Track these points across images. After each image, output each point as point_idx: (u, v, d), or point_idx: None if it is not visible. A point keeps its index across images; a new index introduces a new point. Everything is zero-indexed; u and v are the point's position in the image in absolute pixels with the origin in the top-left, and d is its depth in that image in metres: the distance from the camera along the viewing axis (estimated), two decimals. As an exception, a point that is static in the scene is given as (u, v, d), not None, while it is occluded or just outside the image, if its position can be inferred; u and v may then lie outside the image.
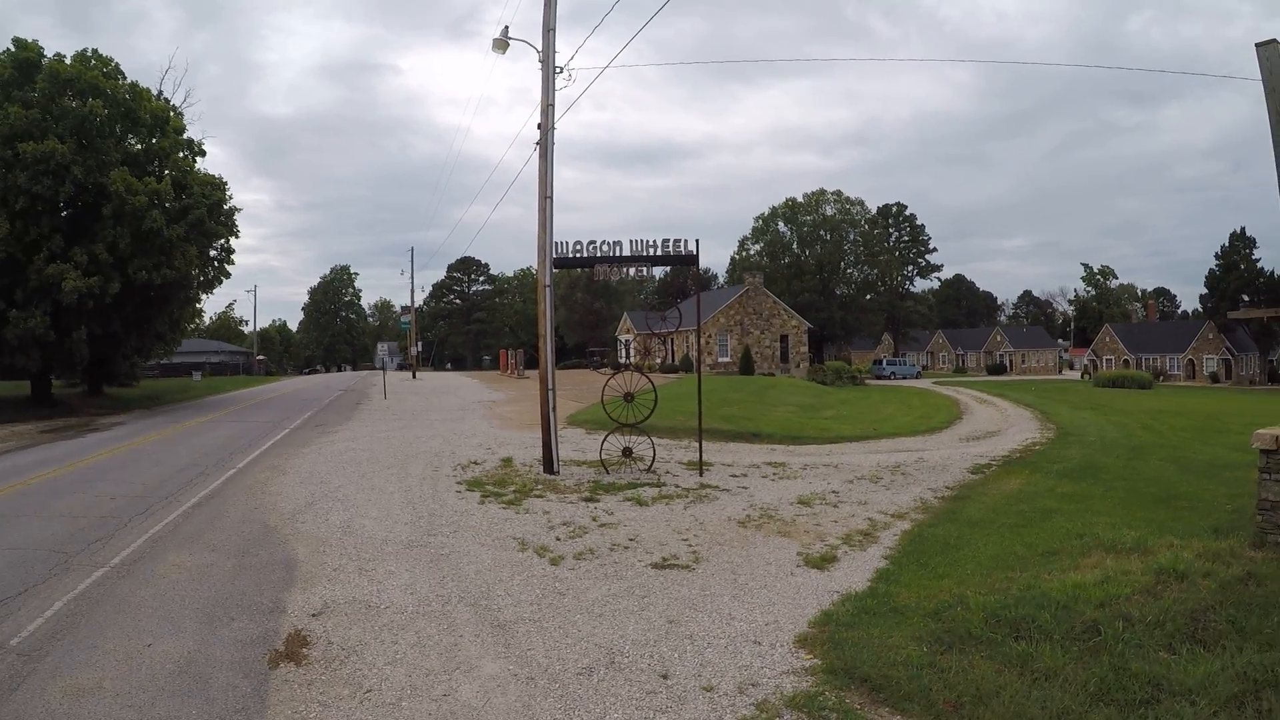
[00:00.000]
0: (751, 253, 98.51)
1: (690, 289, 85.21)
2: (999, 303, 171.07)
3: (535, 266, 18.79)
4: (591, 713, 6.33)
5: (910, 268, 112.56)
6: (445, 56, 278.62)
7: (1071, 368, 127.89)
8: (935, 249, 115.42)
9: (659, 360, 66.52)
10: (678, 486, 16.05)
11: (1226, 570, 8.94)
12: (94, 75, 33.92)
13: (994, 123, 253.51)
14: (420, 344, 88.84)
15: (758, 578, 9.95)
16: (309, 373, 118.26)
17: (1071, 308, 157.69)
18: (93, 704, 6.44)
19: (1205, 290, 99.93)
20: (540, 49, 18.50)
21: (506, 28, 19.59)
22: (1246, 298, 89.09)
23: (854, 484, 16.91)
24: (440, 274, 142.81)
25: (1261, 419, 21.74)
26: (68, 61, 33.83)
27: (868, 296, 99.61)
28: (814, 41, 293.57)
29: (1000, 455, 22.11)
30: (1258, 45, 10.41)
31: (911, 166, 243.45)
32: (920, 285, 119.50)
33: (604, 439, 18.53)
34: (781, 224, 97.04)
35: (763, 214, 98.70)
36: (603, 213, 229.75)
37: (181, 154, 37.86)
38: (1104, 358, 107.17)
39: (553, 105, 18.42)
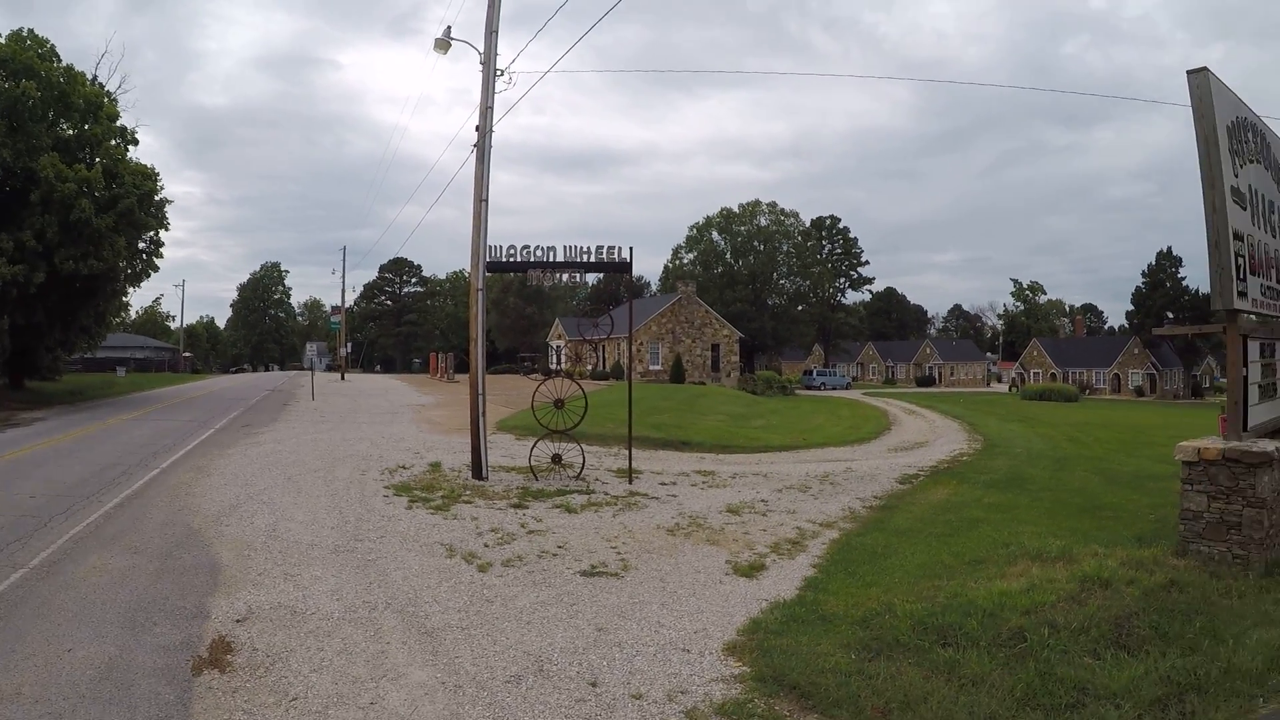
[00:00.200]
0: (685, 261, 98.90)
1: (623, 296, 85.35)
2: (929, 316, 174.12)
3: (468, 269, 18.66)
4: (519, 721, 6.27)
5: (842, 280, 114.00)
6: (386, 54, 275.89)
7: (1000, 381, 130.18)
8: (867, 262, 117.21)
9: (590, 367, 66.48)
10: (607, 494, 16.02)
11: (1150, 578, 9.16)
12: (29, 56, 32.83)
13: (929, 140, 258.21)
14: (350, 345, 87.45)
15: (686, 586, 9.94)
16: (236, 371, 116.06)
17: (1000, 322, 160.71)
18: (11, 711, 6.21)
19: (1132, 307, 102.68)
20: (482, 51, 18.38)
21: (449, 28, 19.44)
22: (1171, 315, 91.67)
23: (783, 493, 17.00)
24: (372, 274, 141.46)
25: (1184, 432, 22.27)
26: (2, 40, 32.85)
27: (799, 307, 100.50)
28: (754, 54, 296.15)
29: (928, 466, 22.42)
30: (1189, 72, 10.69)
31: (846, 180, 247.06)
32: (852, 297, 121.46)
33: (534, 445, 18.42)
34: (716, 234, 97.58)
35: (698, 223, 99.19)
36: (538, 217, 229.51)
37: (114, 142, 36.74)
38: (1032, 371, 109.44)
39: (492, 108, 18.31)
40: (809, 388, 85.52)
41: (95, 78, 38.73)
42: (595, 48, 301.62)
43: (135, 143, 38.14)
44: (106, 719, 6.15)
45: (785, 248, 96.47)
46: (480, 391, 17.81)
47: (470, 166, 18.44)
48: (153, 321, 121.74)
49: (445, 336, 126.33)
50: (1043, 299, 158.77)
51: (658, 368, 68.83)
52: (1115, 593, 8.70)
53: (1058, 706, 6.23)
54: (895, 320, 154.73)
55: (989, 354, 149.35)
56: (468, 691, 6.74)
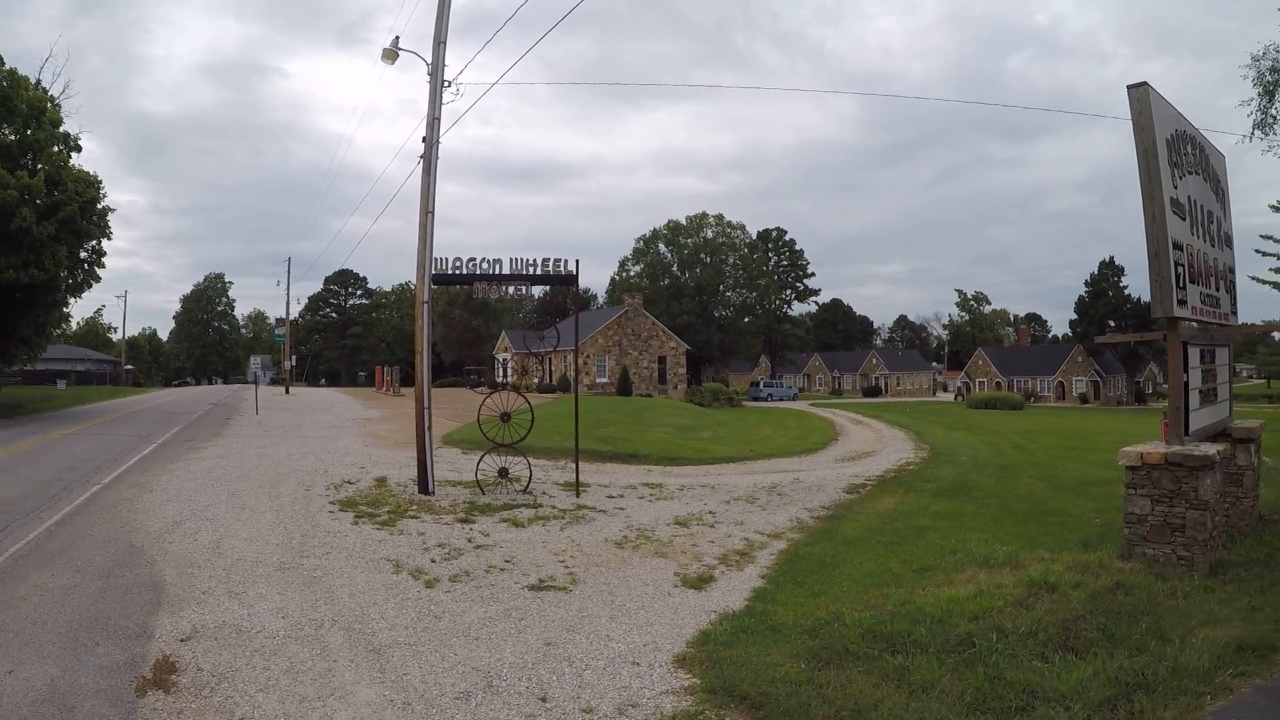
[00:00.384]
0: (632, 274, 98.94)
1: (570, 309, 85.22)
2: (875, 326, 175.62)
3: (414, 282, 18.51)
4: (467, 738, 6.21)
5: (788, 291, 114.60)
6: (334, 63, 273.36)
7: (945, 390, 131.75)
8: (813, 273, 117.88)
9: (537, 380, 66.31)
10: (554, 507, 15.96)
11: (1096, 581, 9.30)
12: (-31, 60, 32.05)
13: (875, 153, 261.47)
14: (294, 358, 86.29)
15: (635, 599, 9.93)
16: (179, 385, 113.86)
17: (946, 332, 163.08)
18: (-53, 738, 6.07)
19: (1075, 315, 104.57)
20: (429, 61, 18.30)
21: (397, 38, 19.37)
22: (1114, 323, 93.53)
23: (731, 504, 17.06)
24: (317, 286, 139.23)
25: (1128, 437, 22.71)
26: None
27: (746, 319, 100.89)
28: (702, 67, 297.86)
29: (875, 475, 22.61)
30: (1129, 87, 10.92)
31: (792, 193, 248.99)
32: (798, 309, 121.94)
33: (480, 459, 18.29)
34: (662, 246, 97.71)
35: (644, 235, 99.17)
36: (484, 229, 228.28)
37: (56, 148, 35.77)
38: (977, 380, 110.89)
39: (438, 119, 18.23)
40: (756, 399, 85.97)
41: (39, 82, 37.81)
42: (544, 60, 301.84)
43: (78, 149, 37.31)
44: (48, 743, 6.01)
45: (732, 260, 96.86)
46: (425, 405, 17.68)
47: (417, 178, 18.37)
48: (94, 333, 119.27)
49: (391, 349, 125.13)
50: (987, 309, 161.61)
51: (605, 380, 68.81)
52: (1062, 596, 8.83)
53: (1007, 710, 6.29)
54: (841, 331, 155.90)
55: (935, 364, 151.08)
56: (416, 709, 6.66)
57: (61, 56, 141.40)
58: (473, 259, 17.79)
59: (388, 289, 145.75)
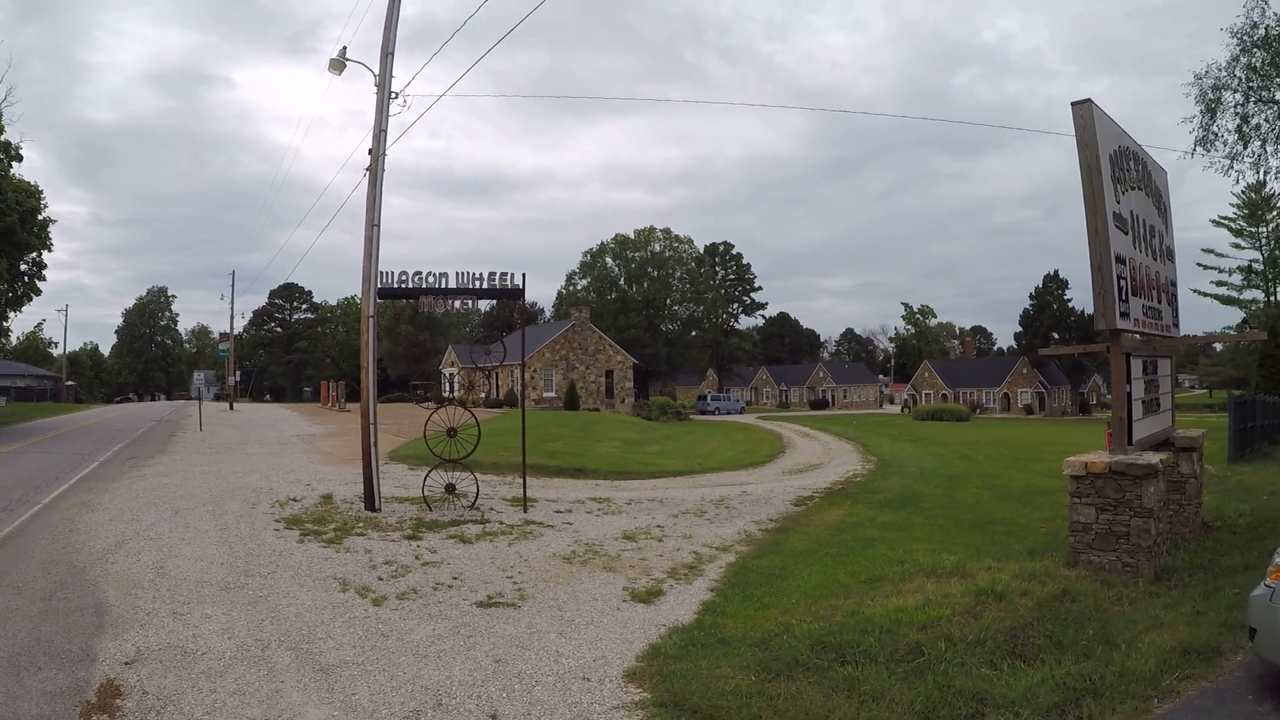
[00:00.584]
0: (579, 288, 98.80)
1: (517, 323, 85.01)
2: (822, 340, 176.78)
3: (360, 296, 18.33)
4: (415, 757, 6.15)
5: (735, 305, 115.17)
6: (281, 72, 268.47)
7: (892, 402, 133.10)
8: (760, 287, 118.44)
9: (484, 395, 65.96)
10: (502, 523, 15.87)
11: (1043, 589, 9.46)
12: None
13: (823, 167, 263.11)
14: (239, 373, 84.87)
15: (584, 614, 9.90)
16: (121, 401, 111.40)
17: (892, 345, 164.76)
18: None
19: (1020, 328, 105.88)
20: (377, 73, 18.14)
21: (345, 48, 19.09)
22: (1058, 335, 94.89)
23: (679, 518, 17.08)
24: (262, 300, 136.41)
25: (1072, 447, 23.01)
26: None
27: (693, 333, 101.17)
28: (651, 81, 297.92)
29: (823, 487, 22.76)
30: (1073, 104, 11.17)
31: (740, 207, 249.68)
32: (745, 323, 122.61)
33: (427, 475, 18.14)
34: (610, 260, 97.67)
35: (591, 249, 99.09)
36: (431, 243, 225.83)
37: None
38: (923, 392, 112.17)
39: (385, 131, 18.05)
40: (704, 413, 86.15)
41: (-21, 90, 37.14)
42: (492, 72, 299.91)
43: (19, 159, 36.50)
44: (-12, 773, 5.88)
45: (679, 274, 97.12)
46: (372, 421, 17.50)
47: (363, 190, 18.14)
48: (34, 348, 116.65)
49: (337, 364, 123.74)
50: (933, 322, 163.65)
51: (552, 395, 68.66)
52: (1009, 604, 8.96)
53: (957, 718, 6.38)
54: (788, 345, 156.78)
55: (881, 376, 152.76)
56: (364, 728, 6.59)
57: (3, 63, 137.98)
58: (419, 273, 17.61)
59: (333, 303, 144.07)
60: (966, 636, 7.92)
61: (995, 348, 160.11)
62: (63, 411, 61.15)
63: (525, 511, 17.21)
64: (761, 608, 9.91)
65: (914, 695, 6.74)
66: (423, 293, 17.73)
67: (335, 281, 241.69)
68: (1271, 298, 68.96)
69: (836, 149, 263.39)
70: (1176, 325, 14.54)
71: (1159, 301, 13.21)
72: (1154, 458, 10.54)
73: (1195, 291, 73.19)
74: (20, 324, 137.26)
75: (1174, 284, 14.67)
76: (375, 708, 6.97)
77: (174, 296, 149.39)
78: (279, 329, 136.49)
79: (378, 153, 17.88)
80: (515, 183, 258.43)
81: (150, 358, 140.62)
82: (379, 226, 17.69)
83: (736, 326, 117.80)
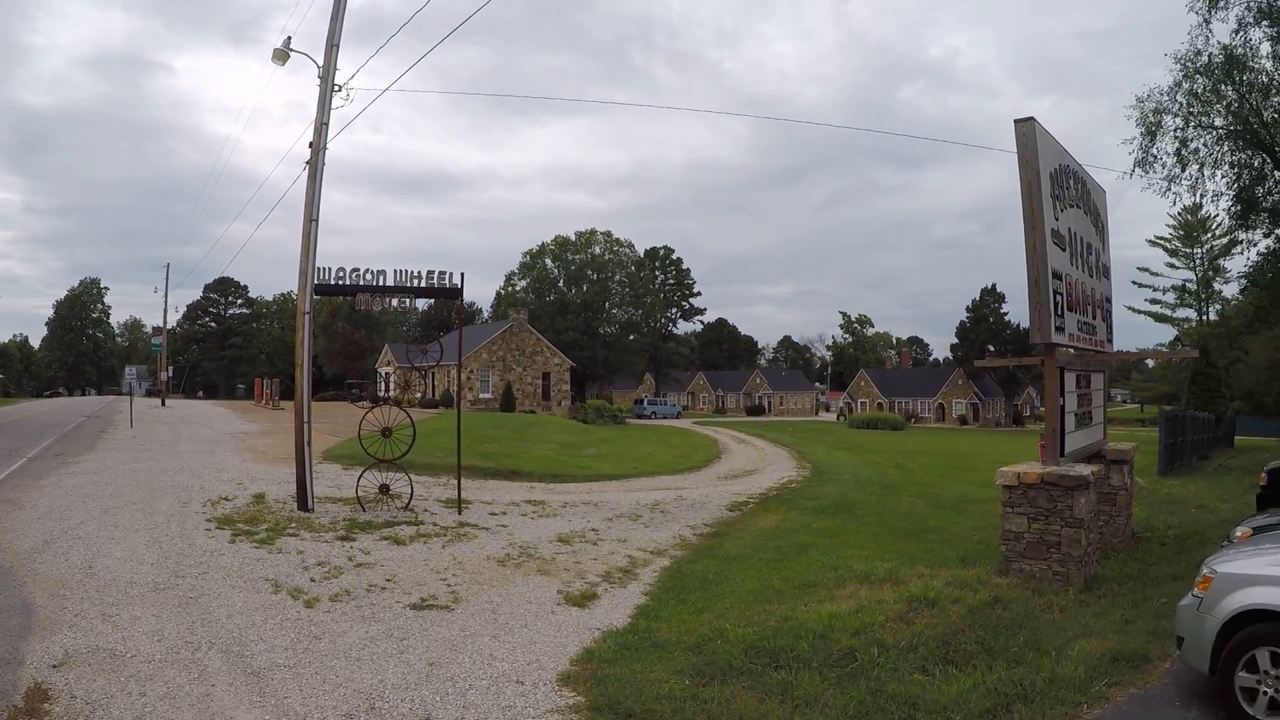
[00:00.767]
0: (518, 289, 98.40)
1: (454, 323, 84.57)
2: (760, 346, 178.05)
3: (296, 292, 18.09)
4: (348, 761, 6.08)
5: (674, 310, 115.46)
6: (223, 61, 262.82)
7: (828, 410, 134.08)
8: (699, 293, 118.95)
9: (419, 395, 65.48)
10: (436, 525, 15.77)
11: (974, 596, 9.60)
12: None
13: (766, 175, 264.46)
14: (171, 369, 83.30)
15: (519, 617, 9.87)
16: (51, 395, 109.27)
17: (830, 353, 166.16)
18: None
19: (956, 340, 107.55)
20: (321, 64, 17.88)
21: (289, 38, 18.66)
22: (993, 348, 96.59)
23: (614, 522, 17.09)
24: (196, 294, 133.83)
25: (1006, 458, 23.45)
26: None
27: (631, 337, 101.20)
28: (597, 83, 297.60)
29: (758, 493, 22.91)
30: (1016, 121, 11.36)
31: (681, 212, 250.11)
32: (683, 327, 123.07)
33: (361, 475, 17.96)
34: (550, 261, 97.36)
35: (531, 250, 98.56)
36: (370, 239, 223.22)
37: None
38: (859, 401, 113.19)
39: (327, 124, 17.80)
40: (640, 417, 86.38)
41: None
42: (437, 68, 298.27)
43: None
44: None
45: (618, 277, 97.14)
46: (305, 419, 17.26)
47: (302, 184, 17.87)
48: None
49: (271, 361, 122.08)
50: (871, 331, 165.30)
51: (488, 396, 68.36)
52: (942, 611, 9.07)
53: (889, 723, 6.43)
54: (726, 350, 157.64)
55: (818, 384, 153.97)
56: (297, 733, 6.51)
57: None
58: (356, 269, 17.40)
59: (269, 298, 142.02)
60: (899, 642, 8.02)
61: (932, 359, 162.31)
62: (-10, 406, 59.73)
63: (460, 513, 17.11)
64: (696, 612, 9.94)
65: (847, 700, 6.80)
66: (360, 290, 17.52)
67: (272, 277, 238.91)
68: (1204, 317, 71.00)
69: (781, 157, 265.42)
70: (1111, 341, 14.84)
71: (1094, 317, 13.47)
72: (1086, 469, 10.73)
73: (1130, 309, 75.10)
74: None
75: (1109, 300, 14.97)
76: (308, 711, 6.88)
77: (107, 289, 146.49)
78: (213, 324, 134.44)
79: (318, 146, 17.64)
80: (458, 181, 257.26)
81: (81, 351, 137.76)
82: (318, 221, 17.45)
83: (675, 331, 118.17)
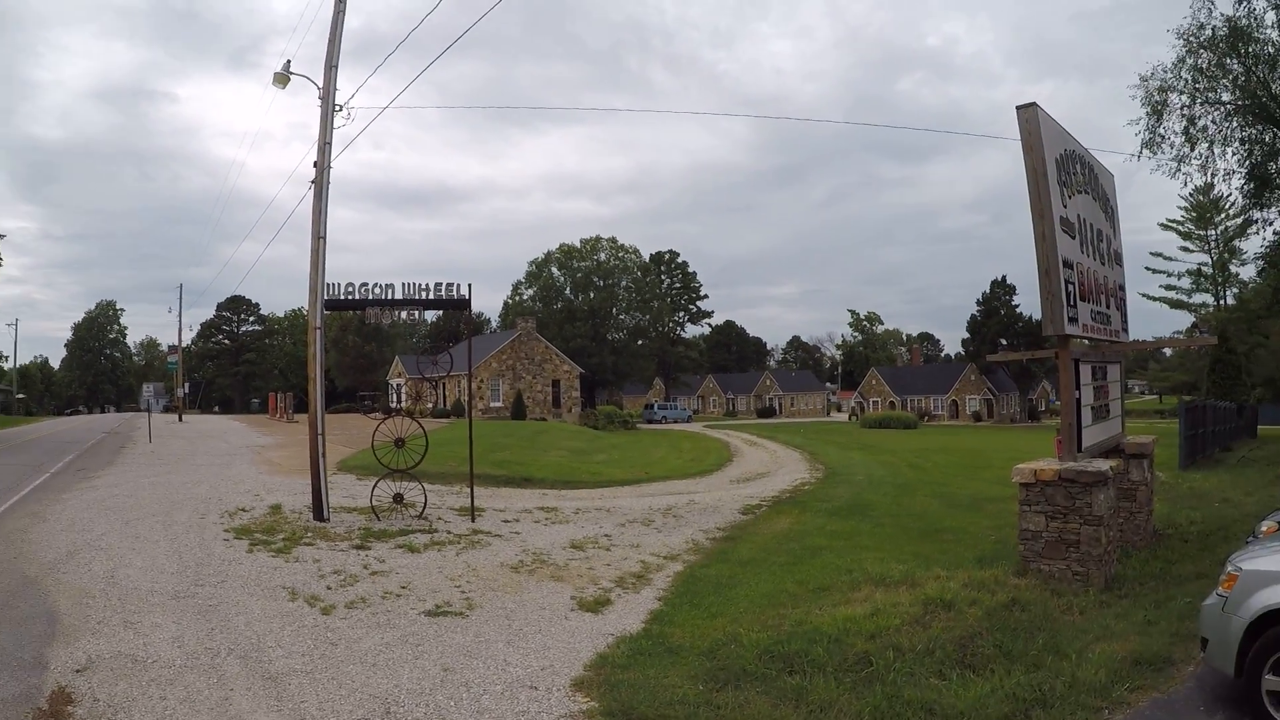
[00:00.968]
0: (525, 297, 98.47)
1: (463, 333, 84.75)
2: (768, 348, 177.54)
3: (306, 307, 18.21)
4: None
5: (681, 314, 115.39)
6: (225, 86, 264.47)
7: (839, 410, 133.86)
8: (706, 295, 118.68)
9: (431, 405, 65.48)
10: (450, 532, 15.79)
11: (992, 598, 9.48)
12: None
13: (767, 175, 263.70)
14: (187, 385, 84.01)
15: (532, 622, 9.86)
16: (71, 413, 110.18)
17: (839, 352, 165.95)
18: None
19: (967, 334, 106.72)
20: (321, 86, 18.09)
21: (289, 62, 18.97)
22: (1006, 341, 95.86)
23: (626, 527, 17.05)
24: (209, 313, 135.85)
25: (1021, 455, 23.29)
26: None
27: (639, 342, 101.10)
28: (595, 90, 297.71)
29: (770, 496, 22.82)
30: (1018, 108, 11.25)
31: (684, 215, 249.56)
32: (691, 331, 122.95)
33: (375, 485, 18.05)
34: (555, 269, 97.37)
35: (537, 259, 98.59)
36: (376, 254, 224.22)
37: None
38: (871, 400, 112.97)
39: (330, 143, 18.01)
40: (651, 421, 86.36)
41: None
42: (435, 83, 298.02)
43: (-32, 176, 36.10)
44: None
45: (625, 283, 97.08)
46: (320, 431, 17.43)
47: (308, 203, 18.11)
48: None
49: (284, 376, 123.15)
50: (880, 329, 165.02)
51: (499, 405, 68.40)
52: (958, 614, 8.97)
53: (906, 728, 6.34)
54: (735, 353, 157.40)
55: (828, 384, 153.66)
56: (312, 738, 6.49)
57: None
58: (365, 284, 17.67)
59: (280, 315, 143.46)
60: (915, 646, 7.94)
61: (943, 354, 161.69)
62: (12, 424, 60.17)
63: (473, 521, 17.14)
64: (709, 617, 9.89)
65: (862, 706, 6.73)
66: (369, 304, 17.74)
67: (282, 294, 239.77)
68: (1221, 301, 70.21)
69: (781, 156, 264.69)
70: (1125, 330, 14.71)
71: (1107, 306, 13.35)
72: (1104, 465, 10.61)
73: (1144, 296, 74.19)
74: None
75: (1122, 288, 14.84)
76: (323, 715, 6.95)
77: (122, 310, 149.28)
78: (227, 341, 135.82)
79: (322, 165, 17.81)
80: (460, 193, 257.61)
81: (99, 370, 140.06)
82: (325, 238, 17.66)
83: (683, 335, 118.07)
